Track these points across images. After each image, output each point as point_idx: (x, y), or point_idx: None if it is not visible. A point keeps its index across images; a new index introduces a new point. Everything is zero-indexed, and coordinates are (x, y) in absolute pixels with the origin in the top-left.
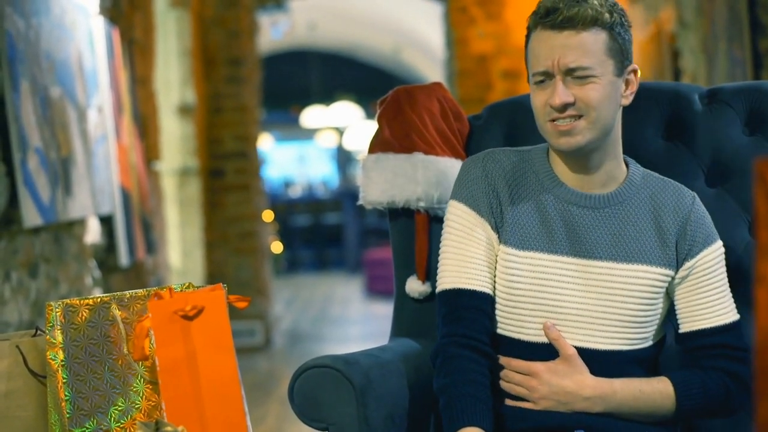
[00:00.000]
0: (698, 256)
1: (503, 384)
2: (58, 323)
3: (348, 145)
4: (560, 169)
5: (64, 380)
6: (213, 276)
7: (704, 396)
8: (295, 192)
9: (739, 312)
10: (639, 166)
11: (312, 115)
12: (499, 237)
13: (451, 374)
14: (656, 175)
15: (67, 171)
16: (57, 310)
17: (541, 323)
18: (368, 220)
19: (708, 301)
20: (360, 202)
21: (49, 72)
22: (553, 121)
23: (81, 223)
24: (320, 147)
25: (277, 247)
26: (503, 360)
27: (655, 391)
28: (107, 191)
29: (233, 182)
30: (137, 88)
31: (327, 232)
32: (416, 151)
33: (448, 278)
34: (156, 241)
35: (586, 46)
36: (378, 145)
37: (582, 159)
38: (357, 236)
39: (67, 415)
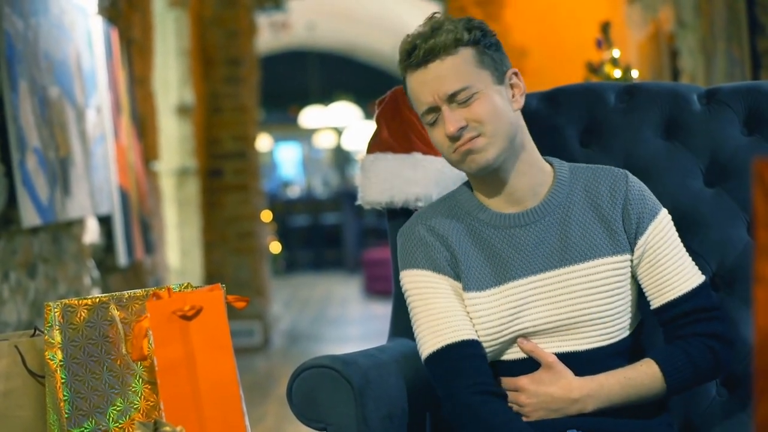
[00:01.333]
0: (648, 231)
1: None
2: (57, 323)
3: (347, 145)
4: (488, 198)
5: (63, 380)
6: (211, 276)
7: (692, 365)
8: (294, 192)
9: (738, 312)
10: (563, 162)
11: (311, 116)
12: (462, 285)
13: (490, 419)
14: (583, 165)
15: (66, 171)
16: (55, 310)
17: (513, 346)
18: (367, 220)
19: (670, 271)
20: (359, 202)
21: (48, 72)
22: (455, 150)
23: (79, 223)
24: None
25: (275, 247)
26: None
27: (641, 374)
28: (106, 191)
29: (232, 182)
30: (136, 88)
31: (326, 232)
32: (415, 151)
33: (431, 340)
34: (154, 241)
35: (457, 69)
36: (376, 145)
37: (500, 176)
38: (356, 236)
39: (66, 415)
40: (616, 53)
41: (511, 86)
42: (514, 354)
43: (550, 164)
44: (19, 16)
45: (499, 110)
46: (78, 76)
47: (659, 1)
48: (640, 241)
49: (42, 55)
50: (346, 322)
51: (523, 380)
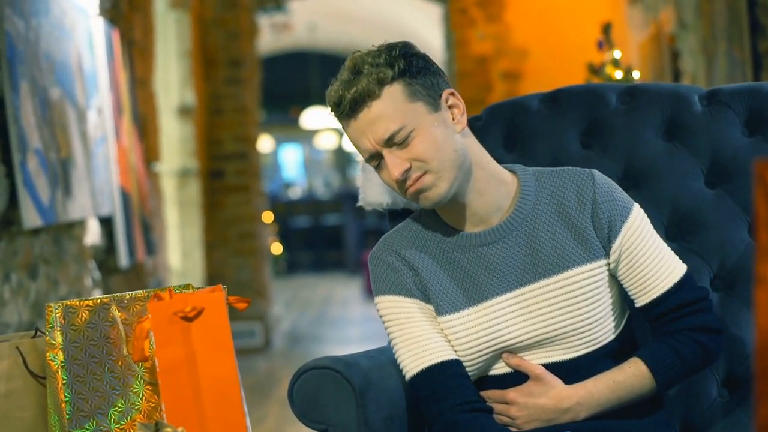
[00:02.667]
0: (621, 233)
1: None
2: (58, 324)
3: (348, 146)
4: (452, 218)
5: (64, 381)
6: (213, 277)
7: (680, 361)
8: (295, 193)
9: (738, 314)
10: (527, 168)
11: (312, 116)
12: (434, 309)
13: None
14: (549, 169)
15: (67, 172)
16: (57, 311)
17: (493, 361)
18: (368, 221)
19: (650, 269)
20: (360, 203)
21: (49, 73)
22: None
23: (81, 224)
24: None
25: (276, 248)
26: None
27: (630, 376)
28: (107, 192)
29: (233, 183)
30: (137, 89)
31: (327, 234)
32: None
33: (411, 364)
34: (156, 243)
35: (386, 112)
36: None
37: (458, 201)
38: (357, 237)
39: (67, 417)
40: (617, 54)
41: (450, 107)
42: (501, 369)
43: (513, 172)
44: (20, 17)
45: (440, 142)
46: (79, 77)
47: (660, 2)
48: (615, 245)
49: (43, 56)
50: (347, 323)
51: (512, 393)
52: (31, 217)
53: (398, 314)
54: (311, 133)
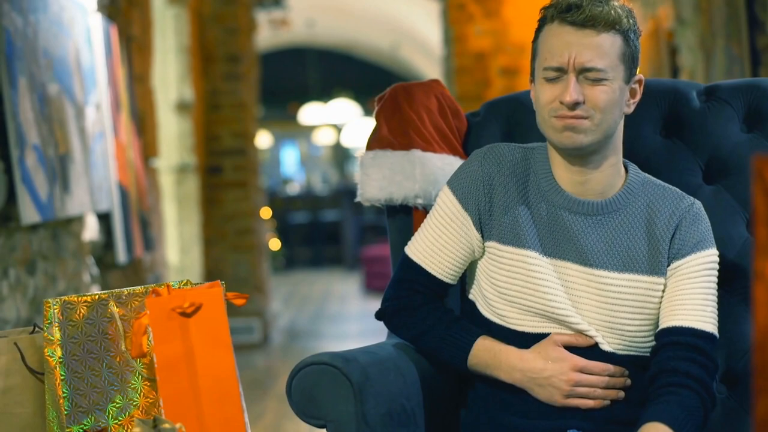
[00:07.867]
0: (686, 258)
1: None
2: (56, 320)
3: (346, 142)
4: (559, 172)
5: (62, 377)
6: (211, 273)
7: (688, 415)
8: (293, 189)
9: (737, 310)
10: (639, 171)
11: (310, 113)
12: (482, 234)
13: (427, 318)
14: (658, 182)
15: (65, 168)
16: (55, 307)
17: (532, 317)
18: (366, 217)
19: (688, 302)
20: (358, 199)
21: (47, 69)
22: (558, 117)
23: (79, 220)
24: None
25: (275, 244)
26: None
27: None
28: (105, 188)
29: (231, 179)
30: (135, 85)
31: (325, 229)
32: (414, 148)
33: (418, 252)
34: (154, 238)
35: (603, 48)
36: (376, 142)
37: (581, 161)
38: (355, 233)
39: (65, 412)
40: None
41: (631, 91)
42: (529, 328)
43: (626, 168)
44: (19, 13)
45: (614, 106)
46: (77, 73)
47: None
48: (674, 264)
49: (41, 52)
50: (345, 318)
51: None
52: (29, 213)
53: (446, 213)
54: (309, 129)
